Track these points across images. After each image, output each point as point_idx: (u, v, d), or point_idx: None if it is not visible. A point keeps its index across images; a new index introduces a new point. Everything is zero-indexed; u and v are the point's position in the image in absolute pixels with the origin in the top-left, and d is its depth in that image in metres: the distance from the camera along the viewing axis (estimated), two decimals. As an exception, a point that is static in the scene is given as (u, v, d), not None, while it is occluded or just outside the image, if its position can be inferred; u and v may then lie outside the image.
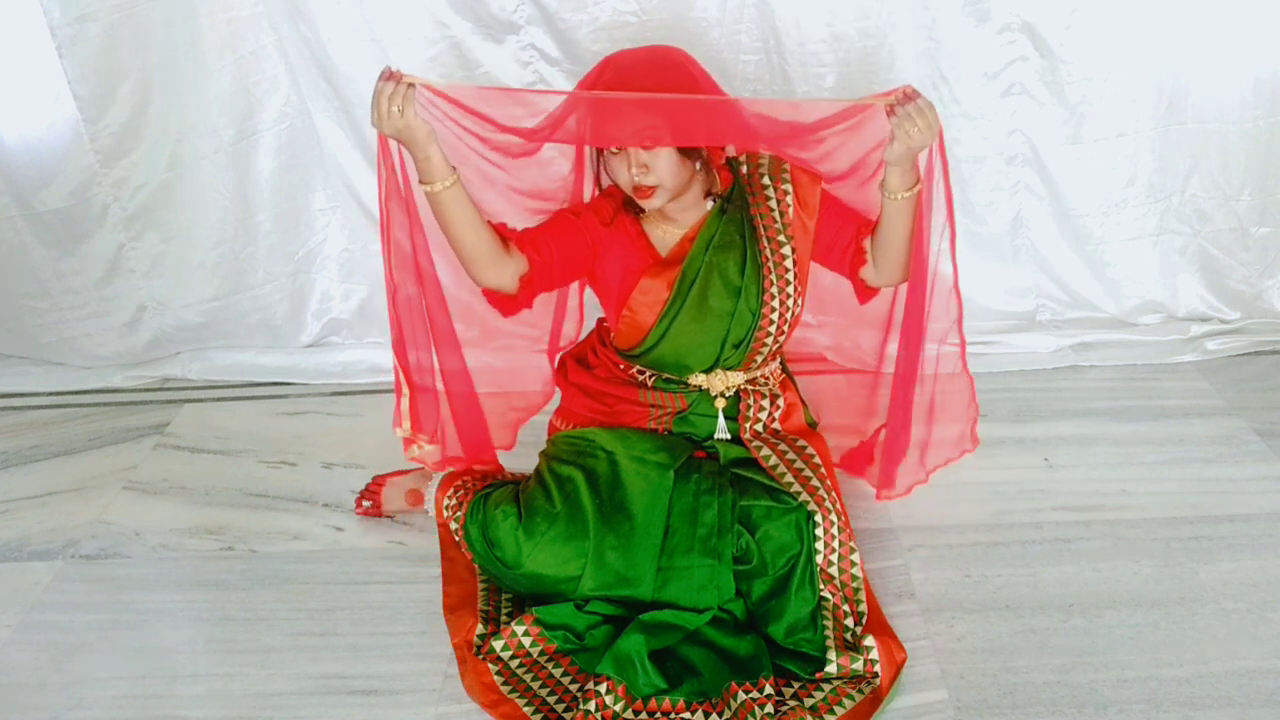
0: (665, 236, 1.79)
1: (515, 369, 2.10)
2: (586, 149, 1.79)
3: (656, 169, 1.61)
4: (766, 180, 1.78)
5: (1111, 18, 2.12)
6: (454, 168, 1.59)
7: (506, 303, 1.75)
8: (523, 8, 2.08)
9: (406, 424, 1.77)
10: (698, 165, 1.68)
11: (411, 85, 1.49)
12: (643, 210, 1.76)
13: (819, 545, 1.69)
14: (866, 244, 1.74)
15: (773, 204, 1.77)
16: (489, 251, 1.66)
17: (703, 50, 1.98)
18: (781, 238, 1.76)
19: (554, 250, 1.73)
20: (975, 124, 2.22)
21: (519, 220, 1.79)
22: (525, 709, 1.55)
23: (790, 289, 1.77)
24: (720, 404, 1.85)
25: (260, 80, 2.20)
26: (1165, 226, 2.38)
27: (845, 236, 1.77)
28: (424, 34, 2.10)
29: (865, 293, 1.82)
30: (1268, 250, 2.40)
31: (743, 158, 1.83)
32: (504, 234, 1.71)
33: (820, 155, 1.72)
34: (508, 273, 1.69)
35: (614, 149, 1.64)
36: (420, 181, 1.59)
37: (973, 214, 2.33)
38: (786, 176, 1.78)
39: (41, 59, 2.09)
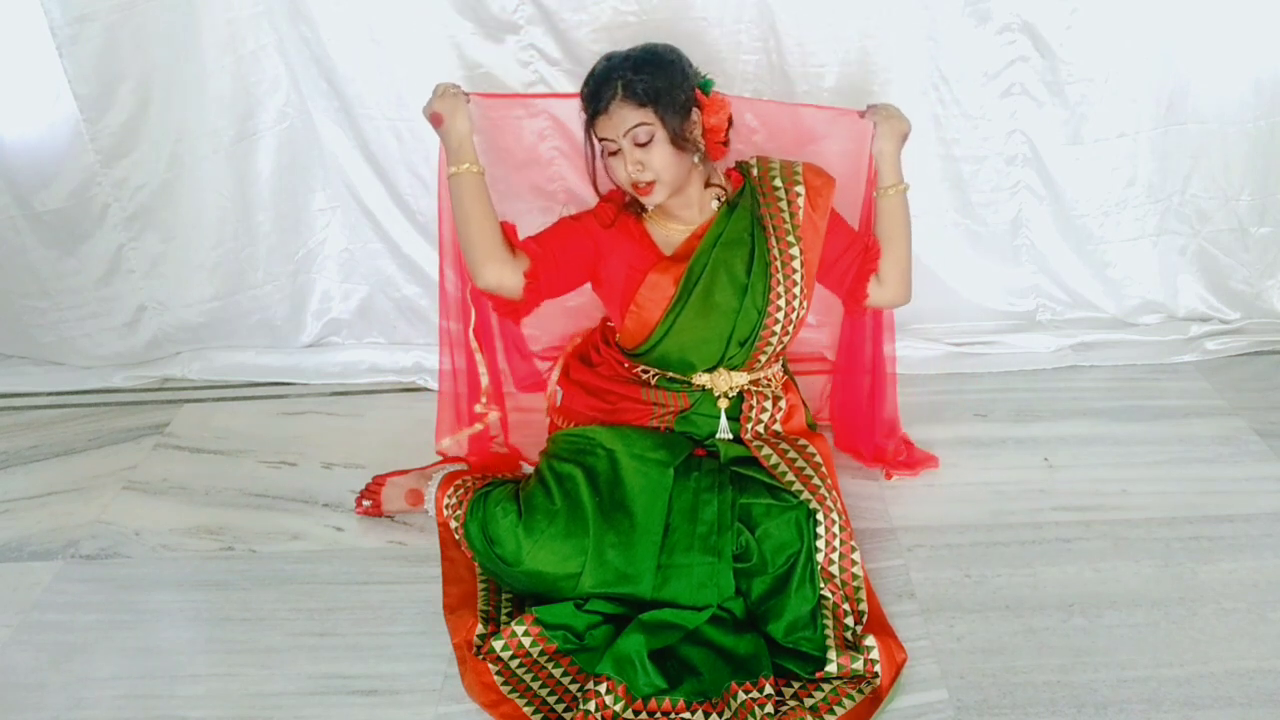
0: (671, 235, 1.80)
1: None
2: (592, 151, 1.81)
3: (652, 165, 1.65)
4: (778, 182, 1.80)
5: (1111, 18, 2.11)
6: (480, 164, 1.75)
7: (512, 306, 1.79)
8: (523, 8, 2.08)
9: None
10: (695, 159, 1.71)
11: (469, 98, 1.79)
12: (644, 209, 1.78)
13: (820, 544, 1.69)
14: (872, 282, 1.85)
15: (783, 205, 1.78)
16: (496, 245, 1.73)
17: (703, 50, 1.98)
18: (791, 238, 1.77)
19: (555, 249, 1.77)
20: (975, 124, 2.22)
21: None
22: (525, 709, 1.55)
23: (796, 289, 1.78)
24: (723, 404, 1.85)
25: (260, 80, 2.20)
26: (1165, 226, 2.38)
27: (851, 253, 1.84)
28: (424, 34, 2.10)
29: (854, 310, 1.91)
30: (1268, 250, 2.40)
31: (753, 160, 1.85)
32: (508, 233, 1.76)
33: None
34: (509, 269, 1.73)
35: (612, 150, 1.67)
36: (449, 164, 1.75)
37: (973, 214, 2.34)
38: (799, 178, 1.79)
39: (41, 59, 2.09)
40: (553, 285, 1.79)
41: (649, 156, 1.65)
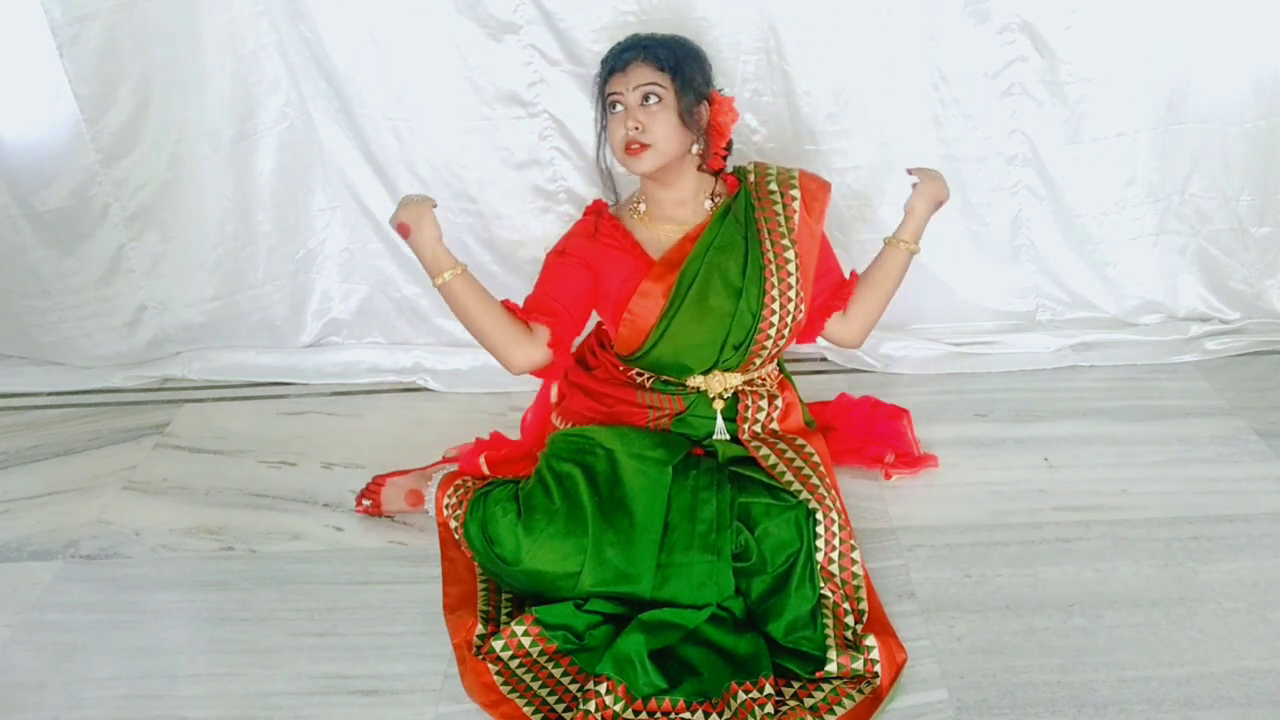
0: (662, 238, 1.79)
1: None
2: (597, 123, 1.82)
3: (652, 129, 1.66)
4: (774, 186, 1.80)
5: (1111, 18, 2.11)
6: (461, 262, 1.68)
7: (549, 370, 1.80)
8: (523, 8, 2.08)
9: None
10: (694, 148, 1.72)
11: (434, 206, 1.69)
12: (616, 201, 1.80)
13: (819, 543, 1.69)
14: (835, 317, 1.87)
15: (778, 209, 1.78)
16: (514, 332, 1.72)
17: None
18: (786, 241, 1.77)
19: (564, 303, 1.77)
20: (975, 124, 2.22)
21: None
22: (525, 709, 1.55)
23: (792, 292, 1.77)
24: (718, 405, 1.85)
25: (260, 80, 2.20)
26: (1165, 226, 2.38)
27: (825, 281, 1.86)
28: (424, 34, 2.10)
29: (805, 338, 1.92)
30: (1268, 250, 2.40)
31: (749, 166, 1.85)
32: (515, 311, 1.76)
33: None
34: (534, 347, 1.73)
35: (615, 105, 1.69)
36: (431, 275, 1.67)
37: (973, 214, 2.34)
38: (794, 183, 1.80)
39: (42, 59, 2.09)
40: (573, 334, 1.80)
41: (652, 120, 1.66)
